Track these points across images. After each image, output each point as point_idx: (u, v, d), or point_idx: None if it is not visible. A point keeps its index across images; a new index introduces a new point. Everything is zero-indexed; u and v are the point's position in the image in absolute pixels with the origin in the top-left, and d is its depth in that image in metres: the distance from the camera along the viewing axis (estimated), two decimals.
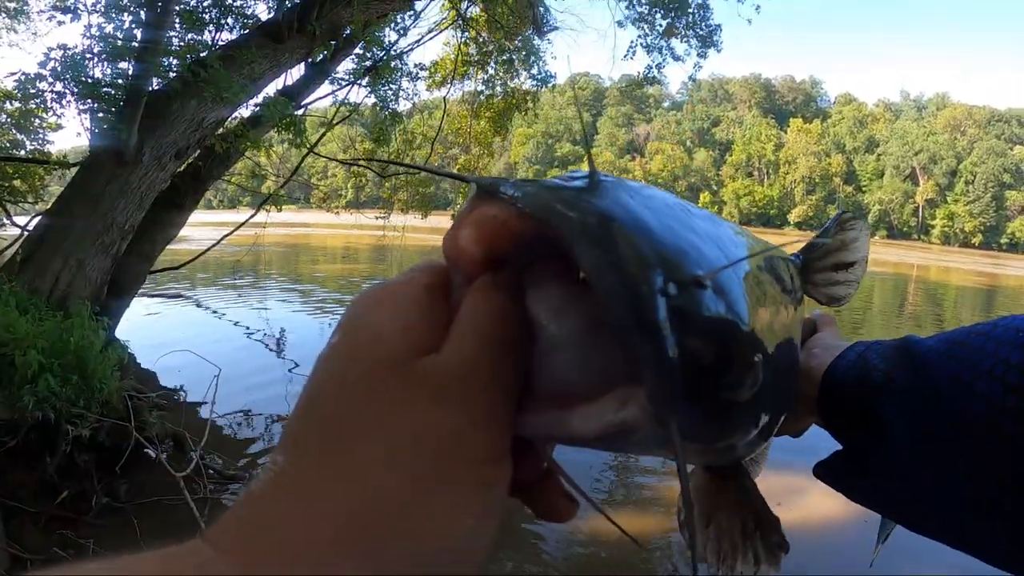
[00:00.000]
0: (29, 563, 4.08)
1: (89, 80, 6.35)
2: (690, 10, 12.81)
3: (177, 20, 6.99)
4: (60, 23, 6.77)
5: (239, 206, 47.13)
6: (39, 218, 6.97)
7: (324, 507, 0.36)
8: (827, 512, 5.66)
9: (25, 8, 10.06)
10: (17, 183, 7.73)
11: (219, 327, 11.96)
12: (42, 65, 6.37)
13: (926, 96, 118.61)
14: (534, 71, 13.32)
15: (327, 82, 9.13)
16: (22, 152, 7.72)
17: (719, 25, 13.00)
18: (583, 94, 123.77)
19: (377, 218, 14.02)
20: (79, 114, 6.47)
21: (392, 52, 9.93)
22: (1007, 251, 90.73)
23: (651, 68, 13.42)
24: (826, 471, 0.78)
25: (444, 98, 13.33)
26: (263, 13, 8.26)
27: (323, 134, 9.76)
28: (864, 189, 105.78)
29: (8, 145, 7.89)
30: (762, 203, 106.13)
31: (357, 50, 9.13)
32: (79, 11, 6.56)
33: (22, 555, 4.12)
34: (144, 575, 0.34)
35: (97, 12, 6.59)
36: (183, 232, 8.59)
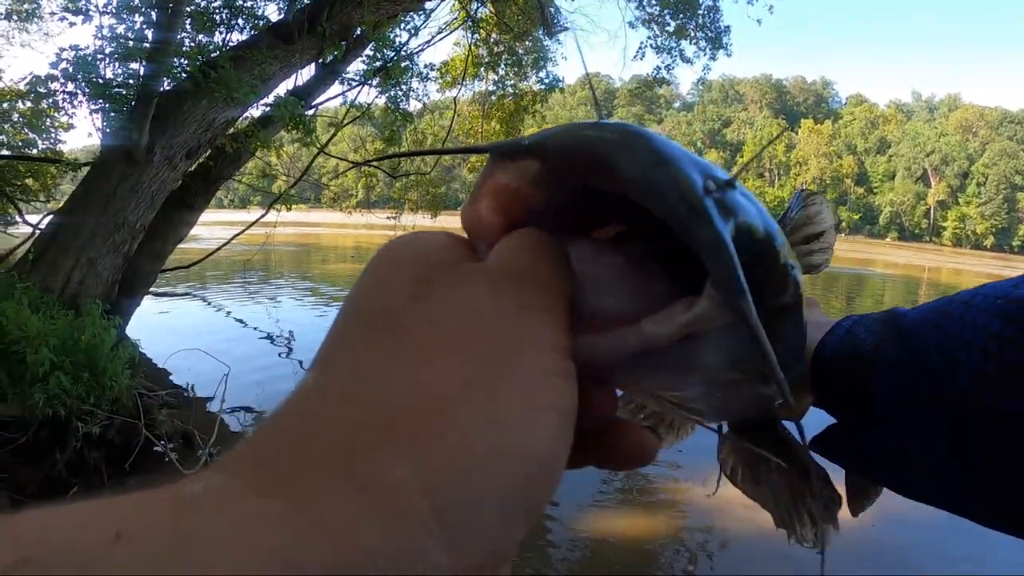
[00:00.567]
0: None
1: (100, 81, 6.40)
2: (700, 12, 12.81)
3: (188, 21, 7.03)
4: (71, 24, 6.82)
5: (249, 206, 47.26)
6: (51, 217, 7.02)
7: (368, 399, 0.32)
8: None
9: (37, 10, 10.11)
10: (29, 182, 7.79)
11: (229, 326, 11.99)
12: (54, 66, 6.42)
13: (938, 97, 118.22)
14: (542, 74, 13.34)
15: (337, 82, 9.16)
16: (34, 151, 7.78)
17: (728, 27, 12.99)
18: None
19: (388, 218, 14.03)
20: (91, 114, 6.53)
21: (403, 52, 9.94)
22: (1019, 253, 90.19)
23: (659, 69, 13.43)
24: (823, 446, 0.76)
25: (455, 99, 13.35)
26: (273, 14, 8.30)
27: (333, 134, 9.79)
28: (875, 190, 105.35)
29: (21, 144, 7.95)
30: (773, 205, 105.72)
31: (367, 50, 9.15)
32: (90, 13, 6.59)
33: None
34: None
35: (108, 13, 6.63)
36: (194, 231, 8.62)
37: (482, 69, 13.02)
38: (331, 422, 0.31)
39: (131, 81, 6.44)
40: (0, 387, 4.83)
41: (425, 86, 11.24)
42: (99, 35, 6.53)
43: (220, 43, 7.66)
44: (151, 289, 8.42)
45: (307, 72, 8.38)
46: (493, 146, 0.45)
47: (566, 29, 13.03)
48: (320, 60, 8.26)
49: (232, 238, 9.90)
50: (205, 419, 6.07)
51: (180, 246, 8.39)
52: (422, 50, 10.72)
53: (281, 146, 10.26)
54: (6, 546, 0.25)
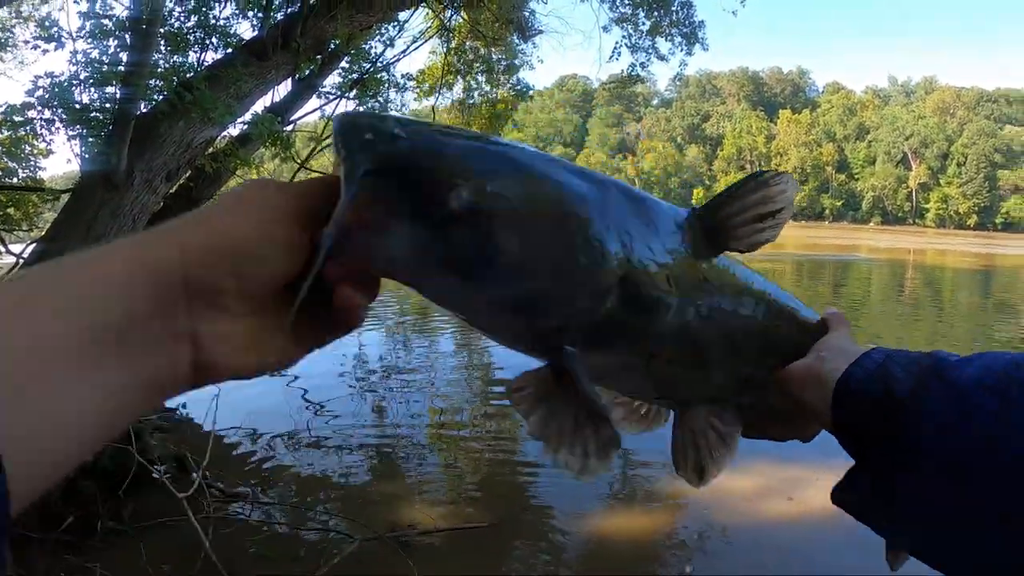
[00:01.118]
0: None
1: (77, 106, 6.37)
2: (673, 8, 12.81)
3: (162, 42, 7.00)
4: (45, 52, 6.78)
5: None
6: (34, 246, 6.97)
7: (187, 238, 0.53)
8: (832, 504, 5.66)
9: (10, 39, 10.06)
10: (11, 211, 7.73)
11: None
12: (30, 93, 6.38)
13: (914, 81, 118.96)
14: (512, 81, 13.32)
15: (315, 96, 9.13)
16: (14, 180, 7.73)
17: (703, 21, 12.99)
18: (571, 96, 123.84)
19: None
20: (68, 140, 6.49)
21: (378, 64, 9.93)
22: (1002, 231, 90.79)
23: (634, 67, 13.43)
24: (847, 496, 0.77)
25: (433, 107, 13.33)
26: (247, 32, 8.27)
27: (313, 149, 9.76)
28: (857, 176, 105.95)
29: (0, 173, 7.90)
30: None
31: (343, 63, 9.13)
32: (63, 39, 6.56)
33: None
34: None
35: (82, 38, 6.60)
36: None
37: (458, 76, 12.99)
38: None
39: (108, 105, 6.40)
40: None
41: (402, 96, 11.21)
42: (73, 60, 6.51)
43: (195, 63, 7.63)
44: None
45: (284, 88, 8.36)
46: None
47: (541, 32, 13.03)
48: (296, 75, 8.23)
49: None
50: (198, 440, 6.05)
51: None
52: (397, 60, 10.69)
53: (261, 163, 10.22)
54: None
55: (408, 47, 11.35)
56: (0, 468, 0.39)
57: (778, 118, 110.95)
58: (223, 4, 8.09)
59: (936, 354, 0.68)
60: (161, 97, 6.56)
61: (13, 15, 9.90)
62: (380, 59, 10.11)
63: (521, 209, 0.63)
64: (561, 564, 4.92)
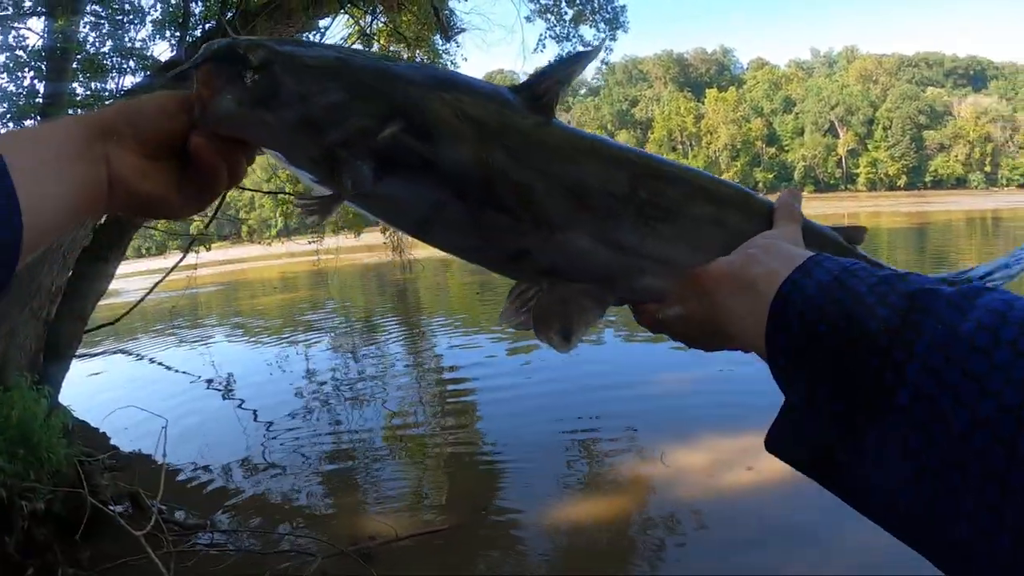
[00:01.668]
0: None
1: None
2: None
3: (79, 70, 6.83)
4: None
5: (168, 251, 46.34)
6: None
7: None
8: (792, 469, 5.71)
9: None
10: None
11: (164, 376, 11.75)
12: None
13: (836, 51, 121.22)
14: None
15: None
16: None
17: (624, 6, 13.09)
18: None
19: (309, 243, 13.85)
20: None
21: None
22: (932, 188, 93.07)
23: (560, 57, 13.44)
24: (794, 447, 0.60)
25: None
26: (165, 52, 8.12)
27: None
28: (786, 148, 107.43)
29: None
30: None
31: None
32: None
33: None
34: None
35: None
36: (116, 285, 8.42)
37: None
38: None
39: None
40: None
41: None
42: None
43: (114, 88, 7.46)
44: (79, 352, 8.17)
45: None
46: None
47: (463, 31, 12.99)
48: None
49: (153, 287, 9.66)
50: (150, 475, 5.91)
51: (105, 302, 8.18)
52: None
53: None
54: None
55: None
56: (16, 206, 0.64)
57: (705, 98, 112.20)
58: (139, 26, 7.92)
59: (916, 279, 0.54)
60: None
61: None
62: None
63: (300, 60, 0.82)
64: (526, 560, 4.92)
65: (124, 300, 11.79)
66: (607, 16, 13.10)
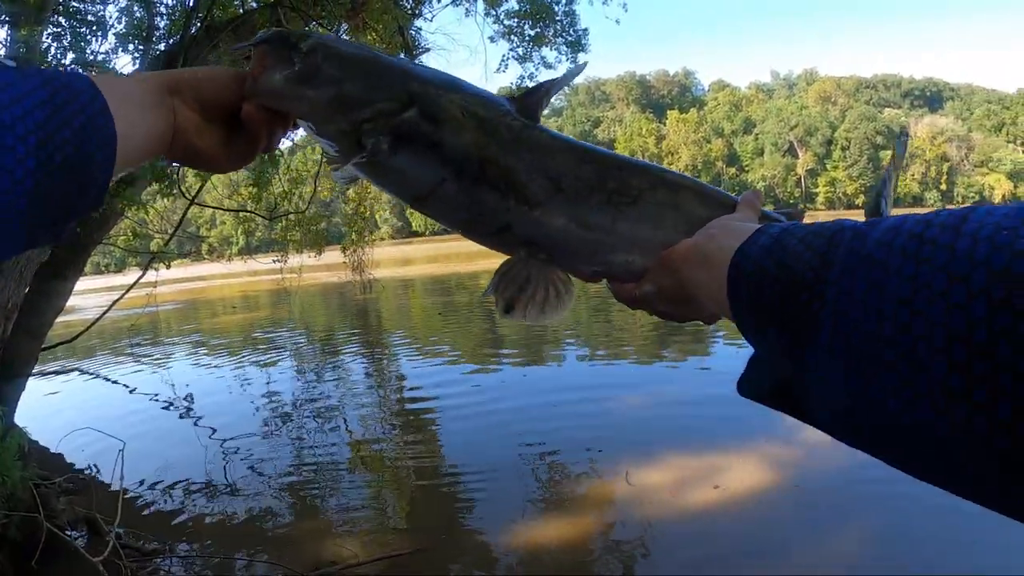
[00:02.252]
0: None
1: None
2: (557, 18, 12.99)
3: None
4: None
5: (127, 268, 45.74)
6: None
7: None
8: (759, 485, 5.72)
9: None
10: None
11: (123, 397, 11.53)
12: None
13: (796, 73, 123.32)
14: None
15: None
16: None
17: (586, 29, 13.21)
18: None
19: (275, 261, 13.74)
20: None
21: None
22: (893, 206, 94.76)
23: (523, 78, 13.54)
24: (757, 386, 0.72)
25: None
26: (127, 66, 8.02)
27: (203, 184, 9.49)
28: (747, 168, 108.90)
29: None
30: None
31: None
32: None
33: None
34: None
35: None
36: (75, 302, 8.29)
37: None
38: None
39: None
40: None
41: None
42: None
43: None
44: (35, 370, 7.99)
45: None
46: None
47: (428, 50, 13.01)
48: None
49: (111, 305, 9.49)
50: (108, 499, 5.78)
51: (63, 319, 8.03)
52: None
53: (153, 201, 9.91)
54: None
55: None
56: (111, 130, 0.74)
57: (667, 118, 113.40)
58: (101, 38, 7.81)
59: (838, 222, 0.62)
60: None
61: None
62: None
63: (340, 51, 0.97)
64: (505, 570, 4.87)
65: (82, 317, 11.57)
66: (570, 39, 13.21)
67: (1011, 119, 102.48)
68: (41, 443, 7.73)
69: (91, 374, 13.57)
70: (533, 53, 13.45)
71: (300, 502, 6.39)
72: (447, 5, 12.78)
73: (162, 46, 7.67)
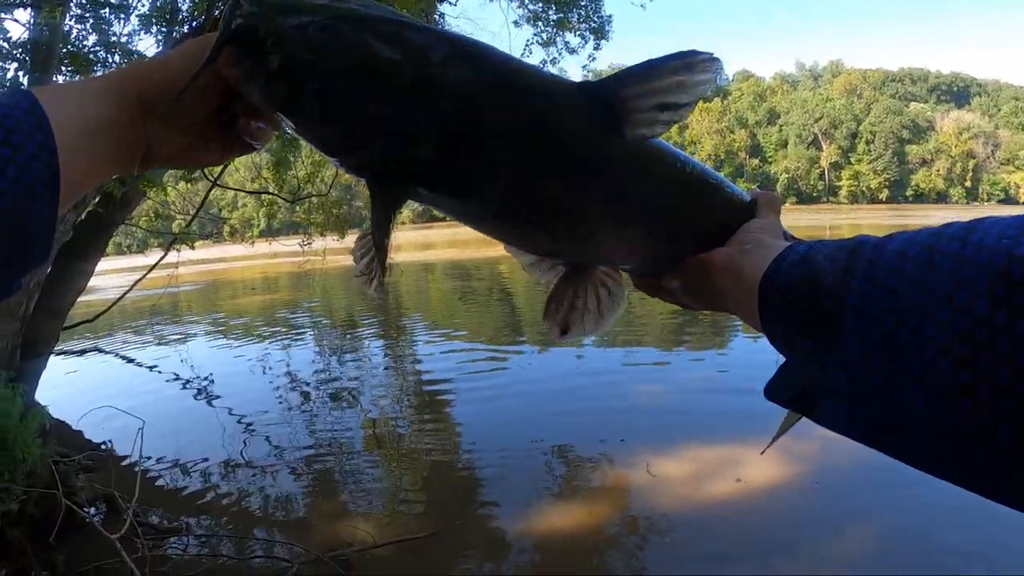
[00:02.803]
0: None
1: None
2: (582, 3, 12.95)
3: (63, 63, 6.75)
4: None
5: (149, 248, 45.99)
6: None
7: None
8: (780, 480, 5.70)
9: None
10: None
11: (143, 376, 11.59)
12: None
13: (821, 65, 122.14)
14: None
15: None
16: None
17: (610, 16, 13.19)
18: None
19: (300, 244, 13.79)
20: None
21: None
22: (913, 203, 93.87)
23: (545, 63, 13.52)
24: (784, 391, 0.72)
25: None
26: (151, 48, 8.05)
27: (225, 165, 9.53)
28: (770, 160, 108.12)
29: None
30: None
31: None
32: None
33: None
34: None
35: None
36: (96, 282, 8.34)
37: None
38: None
39: None
40: None
41: None
42: None
43: None
44: (56, 348, 8.07)
45: None
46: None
47: None
48: None
49: (133, 285, 9.57)
50: (126, 477, 5.83)
51: (83, 299, 8.07)
52: None
53: (177, 183, 9.96)
54: None
55: None
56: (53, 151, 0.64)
57: None
58: (124, 21, 7.84)
59: (859, 238, 0.65)
60: None
61: None
62: None
63: (328, 60, 0.74)
64: (505, 568, 4.87)
65: (103, 297, 11.63)
66: (594, 24, 13.16)
67: None
68: (61, 421, 7.79)
69: (112, 353, 13.67)
70: (557, 38, 13.42)
71: (317, 483, 6.42)
72: None
73: (186, 28, 7.67)
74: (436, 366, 10.71)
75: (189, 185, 11.80)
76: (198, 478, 6.57)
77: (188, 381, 10.79)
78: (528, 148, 0.79)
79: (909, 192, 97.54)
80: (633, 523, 5.29)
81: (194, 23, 7.70)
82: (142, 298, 17.40)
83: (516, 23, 13.47)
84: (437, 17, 12.27)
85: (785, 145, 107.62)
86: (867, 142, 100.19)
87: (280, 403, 9.10)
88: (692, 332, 11.95)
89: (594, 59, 14.11)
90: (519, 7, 13.17)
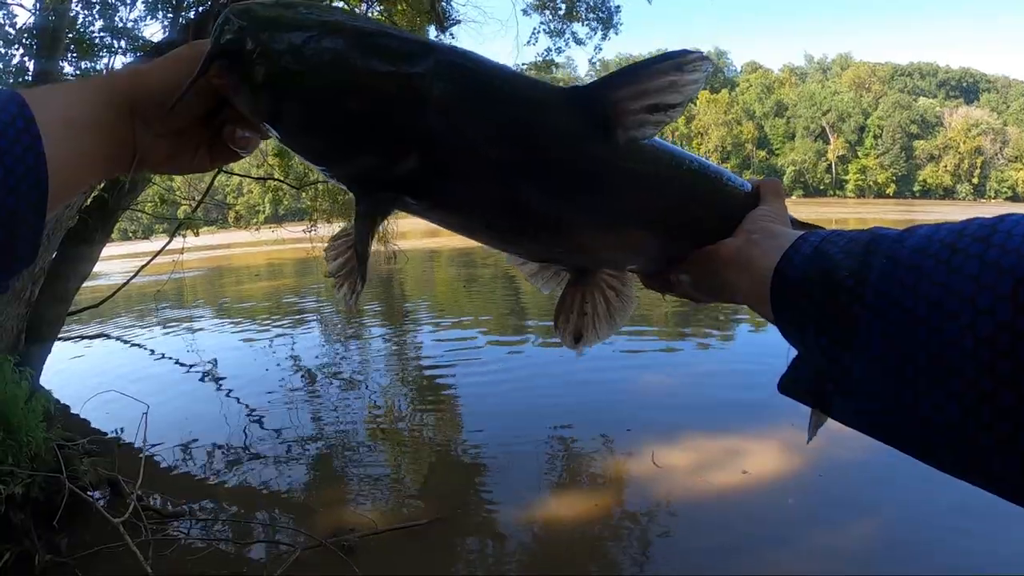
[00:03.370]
0: None
1: None
2: None
3: (69, 48, 6.74)
4: None
5: (154, 234, 46.02)
6: None
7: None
8: (785, 472, 5.70)
9: None
10: None
11: (147, 361, 11.63)
12: None
13: (830, 58, 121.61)
14: None
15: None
16: None
17: (619, 6, 13.14)
18: None
19: (305, 231, 13.78)
20: None
21: None
22: (920, 198, 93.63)
23: (550, 51, 13.49)
24: (798, 385, 0.71)
25: None
26: (157, 34, 8.04)
27: None
28: (777, 152, 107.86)
29: None
30: None
31: None
32: None
33: None
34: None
35: None
36: (100, 268, 8.33)
37: None
38: None
39: None
40: None
41: None
42: None
43: (104, 69, 7.36)
44: (61, 334, 8.08)
45: None
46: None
47: (458, 22, 12.94)
48: None
49: (138, 271, 9.58)
50: (130, 462, 5.84)
51: (88, 284, 8.08)
52: None
53: None
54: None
55: None
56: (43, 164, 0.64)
57: (697, 99, 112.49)
58: (130, 6, 7.83)
59: (874, 230, 0.64)
60: None
61: None
62: None
63: (305, 76, 0.74)
64: (507, 556, 4.89)
65: (108, 283, 11.60)
66: (602, 15, 13.12)
67: None
68: (67, 406, 7.81)
69: (117, 338, 13.70)
70: (564, 28, 13.39)
71: (320, 469, 6.44)
72: None
73: (192, 14, 7.66)
74: (440, 353, 10.71)
75: None
76: (202, 463, 6.59)
77: (192, 366, 10.82)
78: (516, 157, 0.78)
79: (916, 188, 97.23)
80: (637, 513, 5.30)
81: (199, 8, 7.69)
82: (147, 284, 17.42)
83: (525, 11, 13.45)
84: (444, 3, 12.24)
85: (792, 138, 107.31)
86: (875, 136, 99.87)
87: (284, 389, 9.13)
88: (698, 321, 11.94)
89: (601, 50, 14.08)
90: None
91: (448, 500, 5.61)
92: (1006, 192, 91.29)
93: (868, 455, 5.49)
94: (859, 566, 4.50)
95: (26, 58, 6.46)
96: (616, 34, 13.55)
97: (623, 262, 0.97)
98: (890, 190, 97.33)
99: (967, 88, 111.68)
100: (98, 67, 7.39)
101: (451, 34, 13.19)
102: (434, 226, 0.89)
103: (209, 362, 10.92)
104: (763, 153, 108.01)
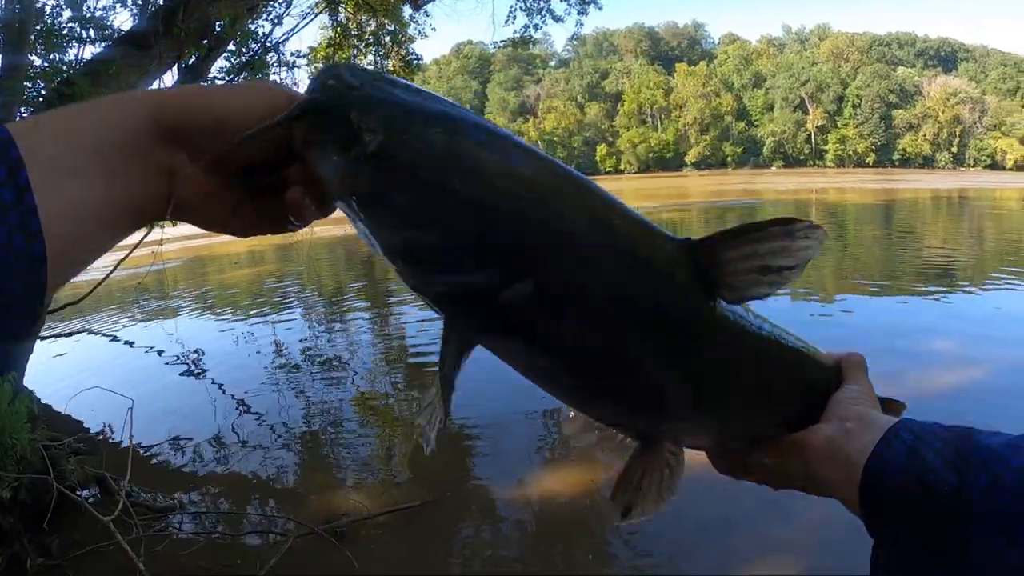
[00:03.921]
0: None
1: None
2: None
3: (38, 41, 6.62)
4: None
5: None
6: None
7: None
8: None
9: None
10: None
11: (132, 355, 11.54)
12: None
13: (808, 28, 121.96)
14: (403, 52, 13.13)
15: (202, 83, 8.79)
16: None
17: None
18: (469, 62, 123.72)
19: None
20: None
21: (267, 44, 9.60)
22: (900, 167, 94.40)
23: (527, 28, 13.42)
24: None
25: None
26: (127, 23, 7.92)
27: None
28: (756, 123, 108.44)
29: None
30: (658, 148, 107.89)
31: (231, 46, 8.80)
32: None
33: None
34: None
35: None
36: None
37: (352, 51, 12.70)
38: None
39: None
40: None
41: (293, 74, 10.86)
42: None
43: (74, 60, 7.24)
44: (42, 333, 7.99)
45: (171, 77, 8.00)
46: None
47: (432, 0, 12.82)
48: (182, 63, 7.88)
49: (116, 265, 9.45)
50: (118, 458, 5.79)
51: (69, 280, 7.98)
52: (287, 39, 10.33)
53: None
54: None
55: (297, 24, 10.97)
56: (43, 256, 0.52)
57: (676, 71, 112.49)
58: None
59: (969, 435, 0.63)
60: (41, 99, 6.21)
61: None
62: (269, 39, 9.77)
63: (425, 164, 0.65)
64: (500, 535, 4.91)
65: (89, 278, 11.44)
66: None
67: None
68: (50, 405, 7.74)
69: (100, 334, 13.59)
70: (541, 4, 13.32)
71: (310, 456, 6.45)
72: None
73: (161, 1, 7.53)
74: (424, 336, 10.68)
75: None
76: (190, 455, 6.56)
77: (176, 357, 10.72)
78: (618, 308, 0.71)
79: (896, 157, 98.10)
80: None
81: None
82: (127, 277, 17.26)
83: None
84: None
85: (771, 109, 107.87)
86: (854, 106, 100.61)
87: (270, 376, 9.10)
88: None
89: (582, 25, 14.03)
90: None
91: (439, 481, 5.62)
92: (985, 160, 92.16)
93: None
94: (863, 537, 4.50)
95: None
96: (599, 9, 13.51)
97: (701, 437, 0.92)
98: (870, 159, 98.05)
99: (945, 57, 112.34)
100: (67, 59, 7.28)
101: (425, 12, 13.07)
102: None
103: (194, 352, 10.83)
104: (742, 125, 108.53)
